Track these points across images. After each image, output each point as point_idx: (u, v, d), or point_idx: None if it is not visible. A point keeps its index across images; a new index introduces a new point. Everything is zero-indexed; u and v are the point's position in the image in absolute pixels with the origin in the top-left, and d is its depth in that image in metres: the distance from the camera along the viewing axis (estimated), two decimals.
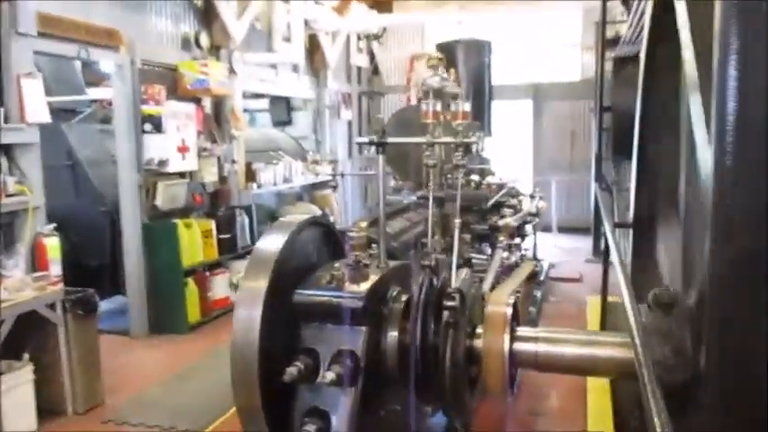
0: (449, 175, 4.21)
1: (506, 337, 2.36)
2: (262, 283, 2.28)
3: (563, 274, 8.61)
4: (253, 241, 7.40)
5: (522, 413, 3.81)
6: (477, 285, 2.68)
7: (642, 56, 2.89)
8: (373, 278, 2.45)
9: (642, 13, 6.09)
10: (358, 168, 12.14)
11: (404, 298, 2.53)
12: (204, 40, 7.15)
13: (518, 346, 2.38)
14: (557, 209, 11.47)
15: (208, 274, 6.84)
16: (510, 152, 12.23)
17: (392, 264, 2.70)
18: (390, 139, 2.54)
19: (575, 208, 11.96)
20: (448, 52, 7.19)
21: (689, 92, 0.83)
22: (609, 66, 9.40)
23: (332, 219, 9.41)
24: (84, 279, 5.29)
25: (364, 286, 2.39)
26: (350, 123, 12.26)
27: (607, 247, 5.04)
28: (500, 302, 2.47)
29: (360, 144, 3.13)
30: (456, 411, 2.59)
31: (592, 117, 11.37)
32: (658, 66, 2.87)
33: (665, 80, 2.81)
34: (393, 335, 2.43)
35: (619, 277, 2.63)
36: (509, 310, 2.43)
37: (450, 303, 2.33)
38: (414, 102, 10.54)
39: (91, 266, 6.64)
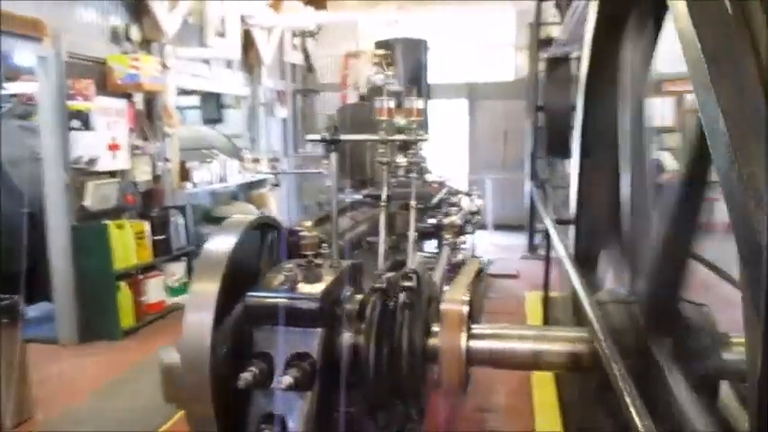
0: (395, 174, 4.19)
1: (463, 335, 2.35)
2: (212, 286, 2.18)
3: (501, 271, 8.76)
4: (189, 242, 7.17)
5: (471, 410, 3.84)
6: (432, 281, 2.66)
7: (586, 57, 2.93)
8: (327, 278, 2.39)
9: (577, 16, 6.27)
10: (293, 166, 12.00)
11: (358, 298, 2.48)
12: (135, 33, 6.88)
13: (475, 343, 2.38)
14: (492, 207, 11.68)
15: (141, 277, 6.58)
16: (446, 150, 12.37)
17: (345, 263, 2.65)
18: (343, 137, 2.49)
19: (509, 206, 12.21)
20: (386, 51, 7.18)
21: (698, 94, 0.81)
22: (542, 66, 9.68)
23: None
24: (4, 285, 4.98)
25: (319, 287, 2.33)
26: (285, 121, 12.10)
27: (548, 243, 5.16)
28: (456, 300, 2.45)
29: (311, 141, 3.07)
30: (412, 408, 2.57)
31: (525, 116, 11.63)
32: (600, 68, 2.91)
33: (607, 84, 2.85)
34: (349, 336, 2.38)
35: (570, 272, 2.66)
36: (465, 308, 2.42)
37: (407, 284, 2.31)
38: (350, 100, 10.51)
39: (11, 272, 6.26)
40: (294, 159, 12.17)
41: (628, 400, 1.33)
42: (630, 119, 2.54)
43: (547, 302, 4.77)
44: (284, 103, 11.73)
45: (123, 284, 6.29)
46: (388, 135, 3.00)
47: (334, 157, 2.52)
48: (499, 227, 11.73)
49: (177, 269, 7.14)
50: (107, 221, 6.19)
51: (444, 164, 10.61)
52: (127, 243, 6.35)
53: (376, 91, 3.60)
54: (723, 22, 0.74)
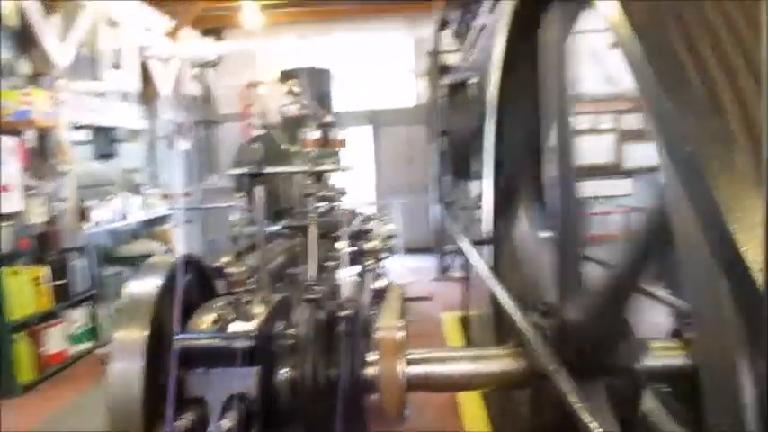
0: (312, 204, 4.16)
1: (401, 362, 2.35)
2: (140, 333, 2.08)
3: (414, 294, 8.84)
4: (93, 285, 6.78)
5: None
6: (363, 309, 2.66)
7: (496, 82, 3.05)
8: (260, 314, 2.34)
9: (479, 43, 6.54)
10: (198, 200, 11.67)
11: (291, 332, 2.44)
12: (24, 66, 6.49)
13: (413, 369, 2.38)
14: (401, 230, 11.83)
15: (41, 326, 6.13)
16: (352, 177, 12.44)
17: (275, 297, 2.61)
18: (269, 170, 2.45)
19: (417, 229, 12.42)
20: (293, 80, 7.16)
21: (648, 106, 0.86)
22: (442, 92, 9.98)
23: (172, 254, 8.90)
24: None
25: (252, 324, 2.27)
26: (186, 153, 11.77)
27: (466, 263, 5.29)
28: (391, 327, 2.46)
29: (233, 175, 2.99)
30: None
31: (428, 141, 11.93)
32: (510, 90, 3.01)
33: (514, 103, 2.95)
34: (285, 371, 2.33)
35: (496, 290, 2.74)
36: (401, 334, 2.43)
37: (345, 313, 2.29)
38: (255, 131, 10.37)
39: None
40: (198, 193, 11.84)
41: (577, 408, 1.37)
42: (558, 135, 2.64)
43: (467, 322, 4.87)
44: (185, 135, 11.43)
45: (20, 335, 5.83)
46: (314, 166, 2.99)
47: (260, 190, 2.48)
48: (409, 250, 11.89)
49: (79, 315, 6.72)
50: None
51: (352, 190, 10.65)
52: (23, 290, 5.91)
53: (292, 122, 3.58)
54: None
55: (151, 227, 9.53)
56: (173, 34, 10.08)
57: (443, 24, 9.54)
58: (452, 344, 5.93)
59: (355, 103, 12.91)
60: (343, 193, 3.48)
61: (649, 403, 2.27)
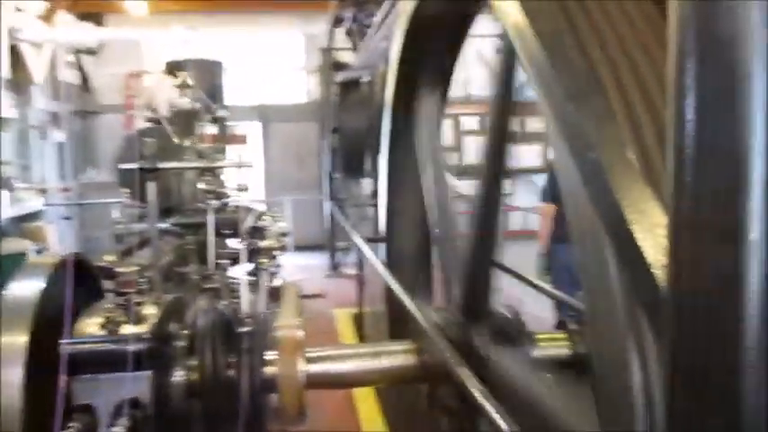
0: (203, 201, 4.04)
1: (301, 361, 2.34)
2: (19, 339, 1.94)
3: (307, 292, 8.81)
4: None
5: None
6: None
7: (391, 82, 3.10)
8: (152, 316, 2.25)
9: (368, 45, 6.61)
10: (75, 195, 10.96)
11: (187, 333, 2.36)
12: None
13: (312, 367, 2.38)
14: (292, 228, 11.70)
15: None
16: (242, 174, 12.18)
17: (168, 297, 2.51)
18: (164, 165, 2.36)
19: (308, 226, 12.36)
20: (181, 71, 6.90)
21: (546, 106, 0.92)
22: (335, 89, 10.00)
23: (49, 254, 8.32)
24: None
25: (144, 326, 2.18)
26: (61, 145, 11.03)
27: (360, 260, 5.34)
28: (290, 326, 2.45)
29: (119, 170, 2.82)
30: None
31: (319, 138, 11.90)
32: (406, 90, 3.07)
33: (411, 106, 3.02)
34: (181, 374, 2.25)
35: (394, 287, 2.79)
36: (300, 333, 2.42)
37: (246, 329, 2.25)
38: (141, 124, 9.90)
39: None
40: (76, 188, 11.13)
41: (481, 401, 1.42)
42: (428, 137, 2.74)
43: (361, 319, 4.92)
44: (60, 125, 10.70)
45: None
46: (208, 161, 2.90)
47: (152, 186, 2.37)
48: (300, 247, 11.80)
49: None
50: None
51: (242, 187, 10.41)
52: None
53: (184, 115, 3.45)
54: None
55: (21, 223, 8.85)
56: (47, 17, 9.39)
57: (337, 21, 9.56)
58: (346, 341, 5.96)
59: (245, 97, 12.64)
60: (245, 189, 3.40)
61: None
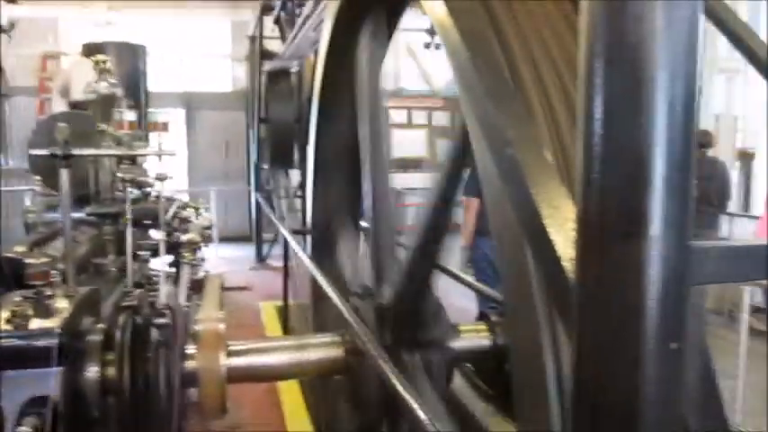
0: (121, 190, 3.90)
1: (222, 354, 2.30)
2: None
3: (231, 284, 8.65)
4: None
5: (219, 429, 3.72)
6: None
7: (319, 73, 3.08)
8: (64, 310, 2.15)
9: (297, 34, 6.53)
10: None
11: (101, 327, 2.27)
12: None
13: (234, 361, 2.34)
14: (217, 219, 11.46)
15: None
16: (165, 163, 11.82)
17: (82, 290, 2.41)
18: (77, 151, 2.25)
19: (234, 217, 12.13)
20: (99, 54, 6.60)
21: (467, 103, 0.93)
22: (263, 79, 9.82)
23: None
24: None
25: (55, 320, 2.08)
26: None
27: (285, 252, 5.28)
28: (211, 319, 2.40)
29: (37, 157, 2.66)
30: None
31: (246, 127, 11.69)
32: (336, 79, 3.04)
33: (342, 94, 3.01)
34: (94, 370, 2.17)
35: (319, 279, 2.78)
36: (221, 326, 2.38)
37: (162, 321, 2.19)
38: (57, 108, 9.42)
39: None
40: None
41: (401, 391, 1.44)
42: (369, 127, 2.73)
43: (286, 311, 4.88)
44: None
45: None
46: (128, 149, 2.79)
47: (66, 173, 2.27)
48: (225, 239, 11.57)
49: None
50: None
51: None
52: None
53: (102, 100, 3.30)
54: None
55: None
56: None
57: (266, 10, 9.39)
58: (272, 334, 5.90)
59: (169, 84, 12.25)
60: (164, 178, 3.29)
61: (456, 381, 2.46)
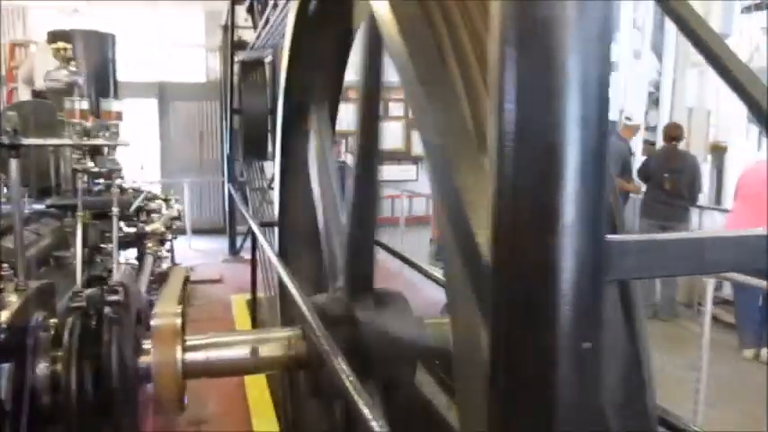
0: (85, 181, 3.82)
1: (178, 349, 2.26)
2: None
3: (203, 277, 8.56)
4: None
5: (186, 425, 3.68)
6: (139, 294, 2.50)
7: (286, 57, 3.03)
8: (13, 304, 2.09)
9: (271, 22, 6.44)
10: None
11: (53, 322, 2.21)
12: None
13: (191, 356, 2.30)
14: (189, 211, 11.34)
15: None
16: (135, 153, 11.64)
17: (32, 284, 2.35)
18: (28, 141, 2.19)
19: (207, 209, 12.02)
20: (65, 42, 6.45)
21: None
22: (236, 69, 9.71)
23: None
24: None
25: (4, 315, 2.02)
26: None
27: (253, 245, 5.22)
28: (167, 313, 2.34)
29: None
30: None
31: (220, 118, 11.56)
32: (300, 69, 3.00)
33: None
34: (45, 366, 2.11)
35: (280, 272, 2.74)
36: (178, 321, 2.33)
37: (114, 298, 2.13)
38: (22, 97, 9.22)
39: None
40: None
41: (351, 391, 1.41)
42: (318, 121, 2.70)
43: (255, 304, 4.83)
44: None
45: None
46: (80, 139, 2.72)
47: (15, 163, 2.20)
48: (198, 231, 11.46)
49: None
50: None
51: (135, 167, 9.96)
52: None
53: (61, 89, 3.22)
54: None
55: None
56: None
57: None
58: (242, 327, 5.85)
59: (140, 73, 12.05)
60: (117, 169, 3.21)
61: (421, 376, 2.44)
